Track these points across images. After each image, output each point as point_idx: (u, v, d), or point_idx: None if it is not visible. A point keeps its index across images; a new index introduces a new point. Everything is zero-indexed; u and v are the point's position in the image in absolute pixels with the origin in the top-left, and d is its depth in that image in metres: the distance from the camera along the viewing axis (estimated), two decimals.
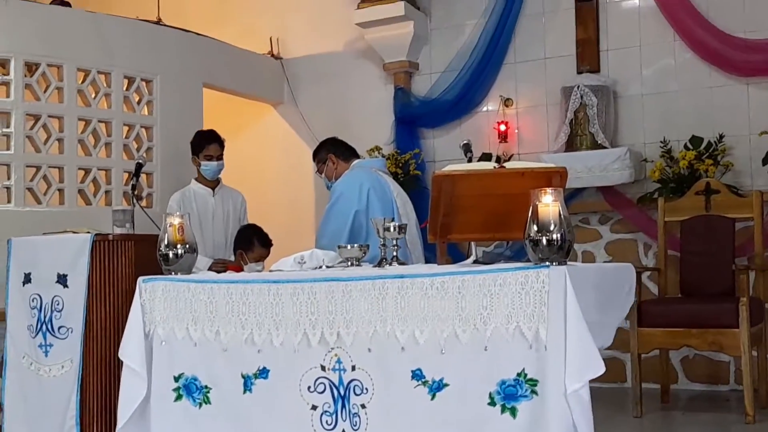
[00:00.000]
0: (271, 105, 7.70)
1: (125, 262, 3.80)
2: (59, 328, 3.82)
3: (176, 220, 3.36)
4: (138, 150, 6.08)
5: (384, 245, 3.42)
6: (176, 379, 3.25)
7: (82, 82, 5.80)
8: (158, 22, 6.93)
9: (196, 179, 5.41)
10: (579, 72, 6.32)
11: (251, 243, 5.05)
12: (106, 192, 5.88)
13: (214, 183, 5.41)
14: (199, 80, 6.68)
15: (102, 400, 3.73)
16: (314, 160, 4.93)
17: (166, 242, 3.33)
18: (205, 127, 6.63)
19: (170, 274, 3.33)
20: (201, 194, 5.36)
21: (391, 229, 3.40)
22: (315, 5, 7.49)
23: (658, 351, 5.32)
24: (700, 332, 4.86)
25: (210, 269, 4.81)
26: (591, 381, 2.65)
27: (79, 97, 5.78)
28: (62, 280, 3.83)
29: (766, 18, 5.88)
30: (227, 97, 7.27)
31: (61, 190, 5.62)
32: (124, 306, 3.56)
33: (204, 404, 3.21)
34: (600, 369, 2.62)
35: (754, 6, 5.93)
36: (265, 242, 5.09)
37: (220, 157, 5.36)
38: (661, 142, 5.99)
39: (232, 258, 5.14)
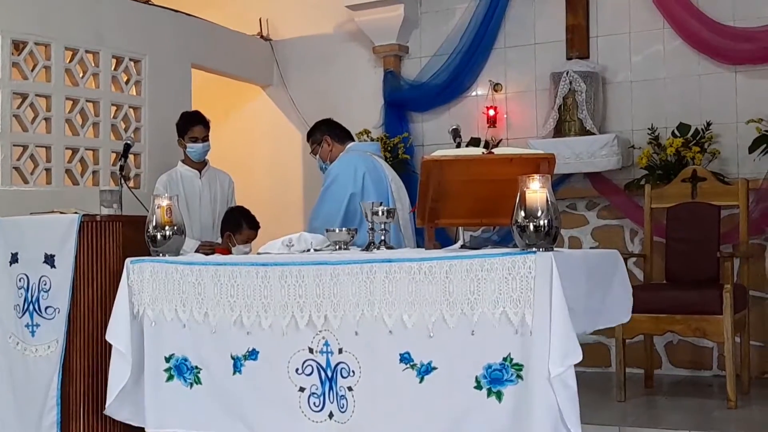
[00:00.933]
0: (261, 87, 7.68)
1: (113, 243, 3.80)
2: (46, 308, 3.82)
3: (164, 202, 3.36)
4: (126, 130, 6.06)
5: (372, 229, 3.44)
6: (167, 360, 3.28)
7: (70, 61, 5.76)
8: (147, 1, 6.88)
9: (183, 161, 5.41)
10: (568, 58, 6.33)
11: (239, 225, 5.05)
12: (94, 172, 5.86)
13: (200, 165, 5.40)
14: (187, 61, 6.65)
15: (87, 380, 3.74)
16: (308, 140, 4.89)
17: (154, 223, 3.34)
18: (194, 109, 6.63)
19: (158, 255, 3.34)
20: (188, 176, 5.36)
21: (380, 213, 3.41)
22: None
23: (642, 336, 5.36)
24: (685, 318, 4.90)
25: (197, 251, 4.82)
26: (576, 365, 2.68)
27: (66, 77, 5.74)
28: (50, 260, 3.83)
29: (755, 7, 5.89)
30: (216, 78, 7.25)
31: (48, 170, 5.60)
32: (112, 287, 3.56)
33: (195, 384, 3.23)
34: (578, 356, 2.66)
35: None
36: (253, 224, 5.10)
37: (205, 139, 5.33)
38: (649, 129, 6.01)
39: (219, 240, 5.13)
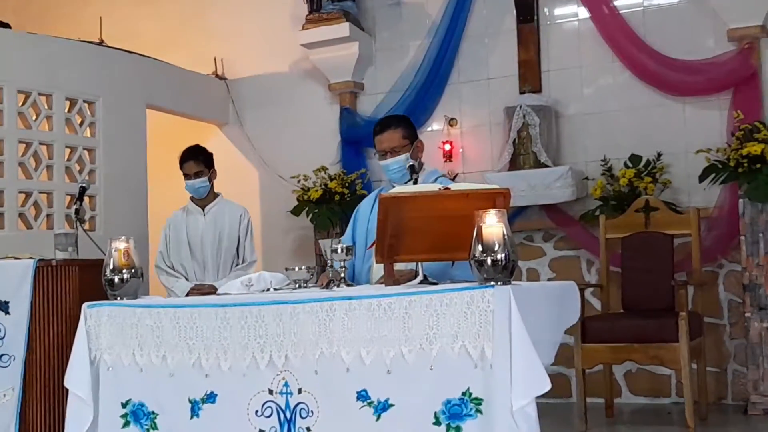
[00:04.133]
0: (217, 126, 7.68)
1: (69, 288, 3.77)
2: (1, 356, 3.76)
3: (122, 245, 3.33)
4: (80, 172, 6.01)
5: (332, 266, 3.44)
6: (123, 406, 3.22)
7: (23, 104, 5.72)
8: (101, 43, 6.87)
9: (191, 197, 5.26)
10: (521, 92, 6.43)
11: None
12: (48, 216, 5.80)
13: (204, 201, 5.21)
14: (142, 102, 6.64)
15: (45, 428, 3.68)
16: (401, 134, 4.00)
17: (111, 267, 3.30)
18: (150, 149, 6.61)
19: (116, 299, 3.30)
20: (193, 213, 5.23)
21: (339, 250, 3.42)
22: (260, 26, 7.49)
23: (601, 366, 5.41)
24: (642, 347, 4.95)
25: (188, 294, 4.73)
26: (537, 397, 2.69)
27: (19, 119, 5.70)
28: (4, 306, 3.78)
29: (701, 40, 6.05)
30: (172, 118, 7.23)
31: (1, 214, 5.53)
32: (69, 332, 3.52)
33: (152, 430, 3.18)
34: (546, 386, 2.67)
35: (688, 29, 6.10)
36: None
37: (198, 174, 5.10)
38: (602, 160, 6.11)
39: (223, 280, 4.85)
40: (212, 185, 5.25)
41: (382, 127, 4.04)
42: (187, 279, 5.10)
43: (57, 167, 5.87)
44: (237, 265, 5.16)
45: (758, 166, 5.34)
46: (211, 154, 5.27)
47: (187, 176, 5.12)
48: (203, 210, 5.23)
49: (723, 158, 5.51)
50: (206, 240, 5.16)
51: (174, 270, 5.15)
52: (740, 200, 5.50)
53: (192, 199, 5.24)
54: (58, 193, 5.85)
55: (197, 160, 5.14)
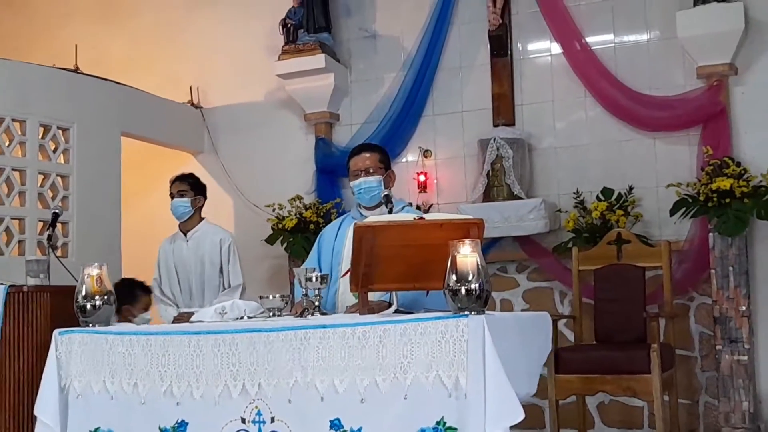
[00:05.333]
0: (191, 154, 7.66)
1: (41, 314, 3.73)
2: None
3: (95, 271, 3.31)
4: (53, 199, 5.97)
5: (306, 295, 3.44)
6: None
7: None
8: (76, 70, 6.86)
9: (179, 224, 5.29)
10: (495, 125, 6.49)
11: (134, 295, 4.99)
12: (20, 242, 5.74)
13: (186, 226, 5.24)
14: (117, 129, 6.62)
15: None
16: (375, 153, 4.14)
17: (83, 293, 3.28)
18: (123, 175, 6.59)
19: (88, 326, 3.28)
20: (177, 240, 5.26)
21: (313, 279, 3.43)
22: (236, 55, 7.52)
23: (574, 397, 5.42)
24: (615, 378, 4.97)
25: (174, 322, 4.73)
26: (511, 428, 2.70)
27: None
28: None
29: (670, 76, 6.15)
30: (146, 145, 7.21)
31: None
32: (40, 359, 3.47)
33: None
34: (519, 416, 2.68)
35: (658, 65, 6.20)
36: (146, 289, 5.04)
37: (181, 194, 5.17)
38: (574, 193, 6.17)
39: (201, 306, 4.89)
40: (197, 211, 5.29)
41: (361, 149, 4.15)
42: (177, 306, 5.10)
43: (30, 193, 5.83)
44: (223, 290, 5.16)
45: (727, 200, 5.42)
46: (201, 183, 5.36)
47: (171, 195, 5.20)
48: (186, 236, 5.23)
49: (693, 192, 5.59)
50: (189, 266, 5.18)
51: (166, 297, 5.19)
52: (710, 234, 5.58)
53: (179, 226, 5.27)
54: (30, 220, 5.80)
55: (183, 181, 5.23)
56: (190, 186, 5.22)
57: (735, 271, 5.52)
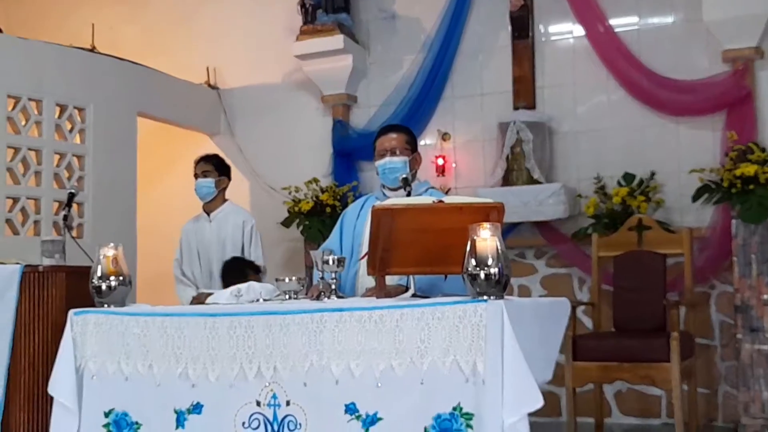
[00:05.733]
0: (208, 135, 7.63)
1: (56, 294, 3.71)
2: None
3: (110, 252, 3.28)
4: (69, 179, 5.96)
5: (323, 278, 3.40)
6: (106, 415, 3.17)
7: (12, 109, 5.67)
8: (92, 50, 6.83)
9: (203, 205, 5.29)
10: (515, 108, 6.41)
11: (245, 274, 4.86)
12: (35, 222, 5.74)
13: (210, 206, 5.23)
14: (133, 109, 6.60)
15: None
16: (403, 133, 4.09)
17: (99, 274, 3.25)
18: (139, 156, 6.57)
19: (103, 306, 3.26)
20: (201, 220, 5.25)
21: (330, 262, 3.38)
22: (253, 36, 7.47)
23: (592, 385, 5.37)
24: (633, 366, 4.92)
25: (192, 303, 4.70)
26: (527, 415, 2.65)
27: (8, 125, 5.64)
28: None
29: (694, 60, 6.06)
30: (163, 126, 7.19)
31: None
32: (55, 339, 3.46)
33: None
34: (538, 402, 2.63)
35: (683, 49, 6.10)
36: (257, 268, 4.93)
37: (205, 174, 5.16)
38: (595, 178, 6.10)
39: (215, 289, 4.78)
40: (220, 192, 5.27)
41: (388, 129, 4.12)
42: (197, 287, 5.08)
43: (45, 173, 5.82)
44: None
45: (751, 187, 5.33)
46: (226, 164, 5.34)
47: (196, 175, 5.18)
48: (209, 216, 5.22)
49: (716, 178, 5.51)
50: (211, 247, 5.17)
51: (186, 278, 5.17)
52: (733, 221, 5.49)
53: (203, 206, 5.26)
54: (46, 200, 5.79)
55: (208, 162, 5.23)
56: (215, 166, 5.22)
57: (757, 259, 5.43)
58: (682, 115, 6.05)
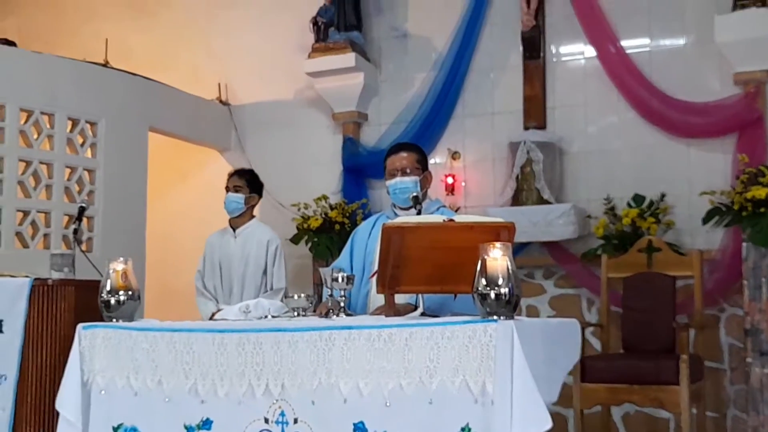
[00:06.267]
0: (218, 151, 7.66)
1: (65, 308, 3.71)
2: None
3: (120, 266, 3.28)
4: (80, 193, 5.98)
5: (332, 296, 3.39)
6: (115, 430, 3.15)
7: (25, 122, 5.70)
8: (105, 64, 6.87)
9: (230, 219, 5.28)
10: (526, 128, 6.42)
11: None
12: (45, 235, 5.75)
13: (237, 222, 5.21)
14: (145, 124, 6.63)
15: None
16: (415, 158, 4.04)
17: (108, 288, 3.24)
18: (150, 171, 6.59)
19: (112, 321, 3.25)
20: (226, 235, 5.23)
21: (339, 279, 3.37)
22: (265, 53, 7.50)
23: (600, 407, 5.34)
24: (642, 388, 4.89)
25: (210, 319, 4.68)
26: None
27: (20, 138, 5.67)
28: None
29: (706, 82, 6.05)
30: (174, 141, 7.22)
31: None
32: (63, 353, 3.46)
33: None
34: (547, 424, 2.61)
35: (694, 71, 6.10)
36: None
37: (237, 189, 5.14)
38: (605, 199, 6.08)
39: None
40: (249, 209, 5.26)
41: (399, 148, 4.08)
42: (217, 301, 5.07)
43: (56, 187, 5.84)
44: (265, 291, 5.11)
45: (762, 210, 5.31)
46: (259, 181, 5.34)
47: (227, 189, 5.16)
48: (234, 232, 5.19)
49: (727, 201, 5.49)
50: (234, 262, 5.15)
51: (207, 291, 5.15)
52: (743, 244, 5.46)
53: (230, 221, 5.24)
54: (56, 213, 5.81)
55: (241, 177, 5.22)
56: (247, 182, 5.21)
57: None
58: (692, 137, 6.04)
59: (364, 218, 6.70)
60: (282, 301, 3.55)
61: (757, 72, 5.80)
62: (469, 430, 2.68)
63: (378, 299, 3.70)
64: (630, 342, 5.37)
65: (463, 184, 6.73)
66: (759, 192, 5.30)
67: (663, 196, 5.95)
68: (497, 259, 2.74)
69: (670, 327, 5.11)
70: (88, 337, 3.22)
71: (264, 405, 2.94)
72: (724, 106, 5.91)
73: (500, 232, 3.04)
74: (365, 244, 4.01)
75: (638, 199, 5.96)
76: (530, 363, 2.65)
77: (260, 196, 5.33)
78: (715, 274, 5.74)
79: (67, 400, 3.19)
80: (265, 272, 5.15)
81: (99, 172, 6.13)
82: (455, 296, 3.32)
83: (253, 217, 5.27)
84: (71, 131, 6.00)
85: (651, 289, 5.41)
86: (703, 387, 5.30)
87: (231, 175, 5.23)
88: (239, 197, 5.14)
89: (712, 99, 5.97)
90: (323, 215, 6.71)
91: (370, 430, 2.79)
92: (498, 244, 2.76)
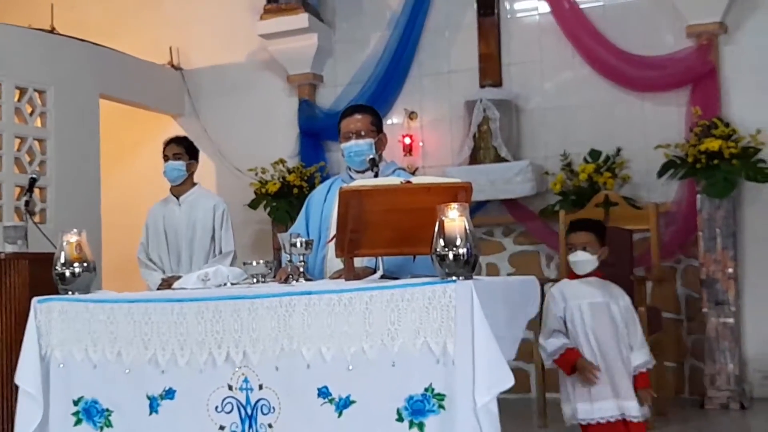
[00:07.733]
0: (172, 117, 7.54)
1: (19, 282, 3.65)
2: None
3: (74, 237, 3.22)
4: (31, 163, 5.86)
5: (291, 261, 3.37)
6: (75, 403, 3.13)
7: None
8: (52, 31, 6.70)
9: (170, 188, 5.17)
10: (482, 86, 6.41)
11: None
12: None
13: (179, 190, 5.10)
14: (95, 91, 6.49)
15: None
16: (367, 114, 4.01)
17: (62, 260, 3.19)
18: (102, 139, 6.47)
19: (67, 293, 3.20)
20: (169, 203, 5.12)
21: (298, 244, 3.35)
22: (217, 16, 7.38)
23: None
24: None
25: (159, 288, 4.63)
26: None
27: None
28: None
29: (659, 36, 6.08)
30: (126, 108, 7.09)
31: None
32: (19, 328, 3.39)
33: (106, 427, 3.09)
34: (509, 381, 2.63)
35: (648, 25, 6.13)
36: None
37: (176, 157, 5.01)
38: (562, 155, 6.12)
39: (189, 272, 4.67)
40: (190, 176, 5.15)
41: (353, 110, 4.04)
42: (163, 271, 5.01)
43: (6, 158, 5.72)
44: (214, 256, 5.07)
45: (716, 162, 5.38)
46: (195, 147, 5.21)
47: (165, 157, 5.04)
48: (178, 200, 5.12)
49: (681, 154, 5.55)
50: (180, 230, 5.06)
51: (152, 262, 5.08)
52: (698, 196, 5.54)
53: (171, 189, 5.14)
54: (7, 185, 5.69)
55: (179, 144, 5.09)
56: (185, 149, 5.09)
57: (722, 234, 5.50)
58: (647, 91, 6.08)
59: (322, 181, 6.67)
60: (242, 267, 3.51)
61: (709, 24, 5.84)
62: (432, 390, 2.70)
63: (335, 263, 3.69)
64: None
65: (420, 144, 6.71)
66: (712, 144, 5.36)
67: (619, 150, 5.99)
68: (455, 220, 2.74)
69: (627, 280, 5.16)
70: (44, 311, 3.18)
71: (227, 372, 2.93)
72: (678, 59, 5.95)
73: (457, 192, 3.04)
74: (321, 209, 3.98)
75: (594, 154, 5.99)
76: (491, 322, 2.66)
77: (197, 162, 5.24)
78: (671, 227, 5.82)
79: (26, 374, 3.14)
80: (213, 237, 5.10)
81: (50, 141, 6.01)
82: (414, 258, 3.32)
83: (194, 184, 5.20)
84: (19, 100, 5.87)
85: (608, 243, 5.45)
86: (662, 338, 5.39)
87: (168, 143, 5.11)
88: (180, 164, 5.04)
89: (665, 52, 6.01)
90: (281, 179, 6.67)
91: (334, 395, 2.80)
92: (455, 205, 2.76)
